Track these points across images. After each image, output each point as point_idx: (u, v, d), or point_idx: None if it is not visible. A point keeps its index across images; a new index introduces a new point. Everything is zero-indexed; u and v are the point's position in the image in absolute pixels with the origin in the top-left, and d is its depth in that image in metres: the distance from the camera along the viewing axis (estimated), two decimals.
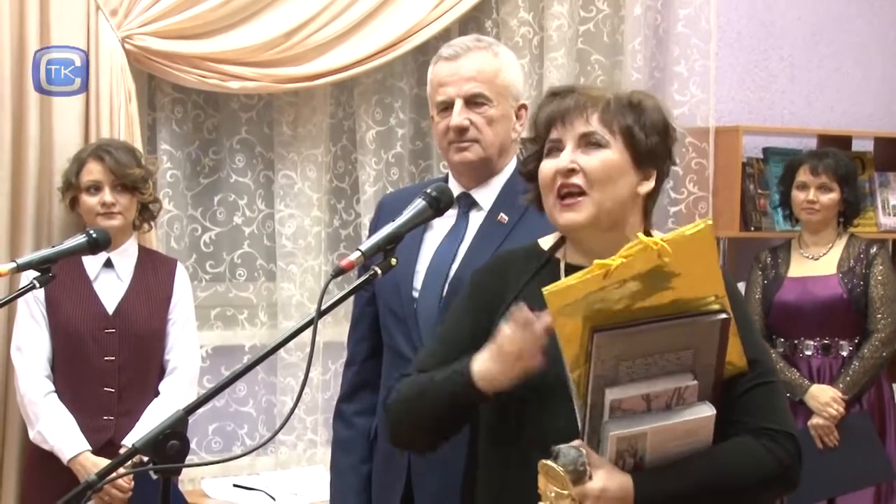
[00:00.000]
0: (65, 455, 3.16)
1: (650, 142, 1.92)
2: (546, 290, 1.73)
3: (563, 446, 1.76)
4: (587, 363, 1.74)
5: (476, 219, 2.50)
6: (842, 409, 4.00)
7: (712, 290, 1.77)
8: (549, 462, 1.77)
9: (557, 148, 1.92)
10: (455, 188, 2.50)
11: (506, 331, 1.80)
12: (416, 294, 2.47)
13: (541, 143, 1.96)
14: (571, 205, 1.89)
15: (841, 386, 4.03)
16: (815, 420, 4.03)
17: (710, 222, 1.74)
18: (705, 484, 1.81)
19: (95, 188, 3.29)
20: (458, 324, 2.03)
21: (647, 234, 1.92)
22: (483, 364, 1.84)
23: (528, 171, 2.00)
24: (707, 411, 1.79)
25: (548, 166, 1.92)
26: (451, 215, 2.48)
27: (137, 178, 3.30)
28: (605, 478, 1.76)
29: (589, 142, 1.90)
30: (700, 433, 1.80)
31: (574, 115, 1.91)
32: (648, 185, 1.94)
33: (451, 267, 2.44)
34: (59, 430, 3.18)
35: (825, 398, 4.01)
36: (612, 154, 1.89)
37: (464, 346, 1.93)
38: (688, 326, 1.75)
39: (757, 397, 1.87)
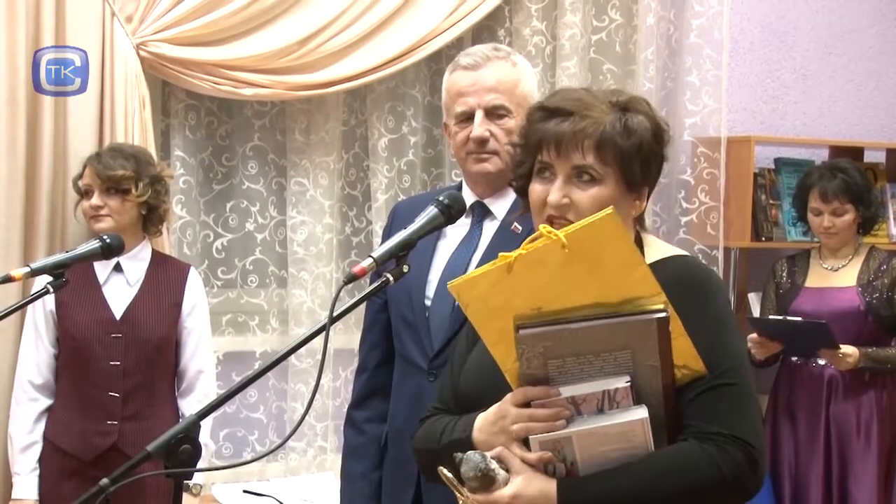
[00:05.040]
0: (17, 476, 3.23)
1: (645, 164, 1.87)
2: (450, 283, 1.73)
3: (469, 452, 1.74)
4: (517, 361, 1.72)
5: (490, 228, 2.50)
6: (855, 361, 3.95)
7: (642, 288, 1.69)
8: (442, 469, 1.76)
9: (549, 172, 1.87)
10: (469, 197, 2.50)
11: (511, 410, 1.77)
12: (428, 303, 2.48)
13: (531, 160, 1.91)
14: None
15: (864, 350, 3.98)
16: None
17: (610, 210, 1.67)
18: (636, 491, 1.72)
19: (91, 192, 3.29)
20: (465, 347, 2.03)
21: (639, 239, 1.92)
22: (479, 434, 1.84)
23: (520, 187, 1.95)
24: (638, 414, 1.71)
25: (539, 191, 1.88)
26: (464, 224, 2.48)
27: (122, 180, 3.23)
28: (522, 484, 1.74)
29: (582, 176, 1.85)
30: (634, 437, 1.72)
31: (570, 146, 1.84)
32: (642, 205, 1.90)
33: None
34: (23, 454, 3.24)
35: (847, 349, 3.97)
36: (606, 189, 1.84)
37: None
38: (620, 326, 1.68)
39: (709, 400, 1.76)
